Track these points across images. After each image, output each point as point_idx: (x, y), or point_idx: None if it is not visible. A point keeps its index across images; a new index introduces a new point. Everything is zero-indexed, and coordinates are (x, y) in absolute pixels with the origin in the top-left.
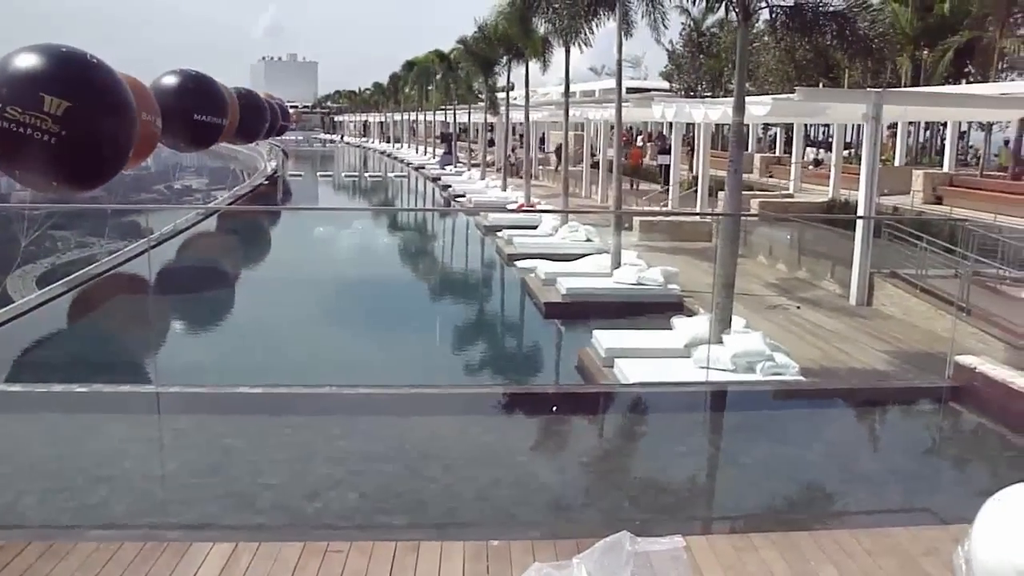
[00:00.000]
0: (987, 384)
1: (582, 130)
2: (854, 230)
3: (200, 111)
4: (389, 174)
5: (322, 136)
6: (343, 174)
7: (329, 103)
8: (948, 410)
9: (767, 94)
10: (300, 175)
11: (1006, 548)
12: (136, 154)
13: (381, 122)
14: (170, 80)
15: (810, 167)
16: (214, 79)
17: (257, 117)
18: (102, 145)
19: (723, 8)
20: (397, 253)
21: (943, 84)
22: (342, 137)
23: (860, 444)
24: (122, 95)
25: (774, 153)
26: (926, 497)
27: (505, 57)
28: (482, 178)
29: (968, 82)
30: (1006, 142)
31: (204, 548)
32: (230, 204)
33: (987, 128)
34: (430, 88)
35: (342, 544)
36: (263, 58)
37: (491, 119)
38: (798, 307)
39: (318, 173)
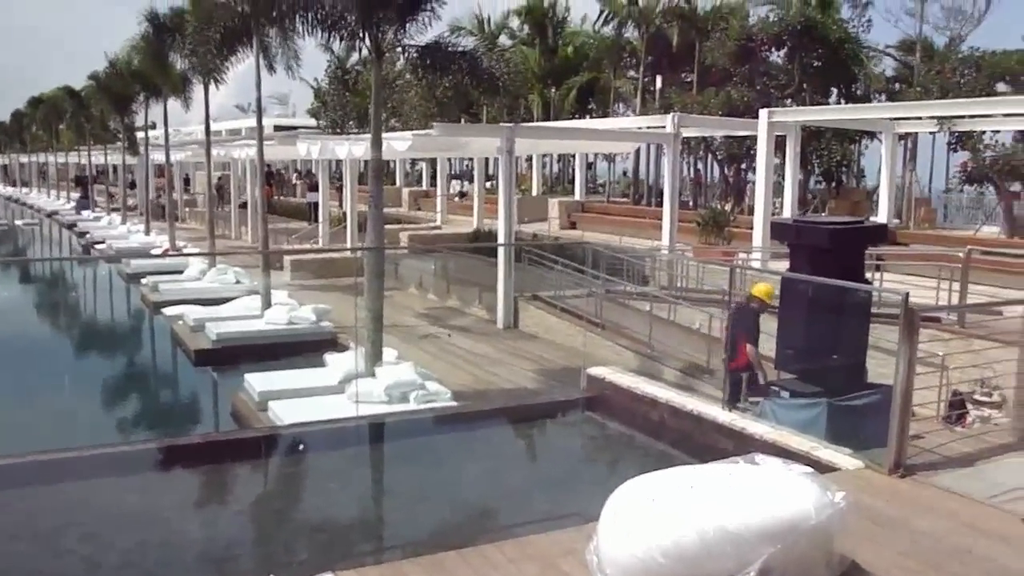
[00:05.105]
0: (615, 392)
1: (229, 169)
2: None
3: None
4: (17, 222)
5: None
6: None
7: None
8: (585, 419)
9: (413, 130)
10: None
11: (622, 537)
12: None
13: (5, 165)
14: None
15: (456, 199)
16: None
17: None
18: None
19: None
20: (30, 308)
21: (569, 119)
22: None
23: (510, 460)
24: None
25: (422, 187)
26: (565, 502)
27: (142, 94)
28: (123, 223)
29: (591, 117)
30: (624, 172)
31: None
32: None
33: (611, 159)
34: (61, 127)
35: None
36: None
37: (131, 160)
38: (449, 334)
39: None
